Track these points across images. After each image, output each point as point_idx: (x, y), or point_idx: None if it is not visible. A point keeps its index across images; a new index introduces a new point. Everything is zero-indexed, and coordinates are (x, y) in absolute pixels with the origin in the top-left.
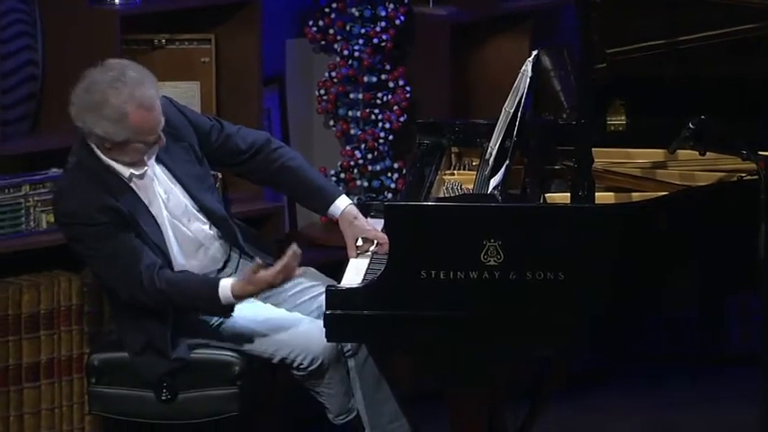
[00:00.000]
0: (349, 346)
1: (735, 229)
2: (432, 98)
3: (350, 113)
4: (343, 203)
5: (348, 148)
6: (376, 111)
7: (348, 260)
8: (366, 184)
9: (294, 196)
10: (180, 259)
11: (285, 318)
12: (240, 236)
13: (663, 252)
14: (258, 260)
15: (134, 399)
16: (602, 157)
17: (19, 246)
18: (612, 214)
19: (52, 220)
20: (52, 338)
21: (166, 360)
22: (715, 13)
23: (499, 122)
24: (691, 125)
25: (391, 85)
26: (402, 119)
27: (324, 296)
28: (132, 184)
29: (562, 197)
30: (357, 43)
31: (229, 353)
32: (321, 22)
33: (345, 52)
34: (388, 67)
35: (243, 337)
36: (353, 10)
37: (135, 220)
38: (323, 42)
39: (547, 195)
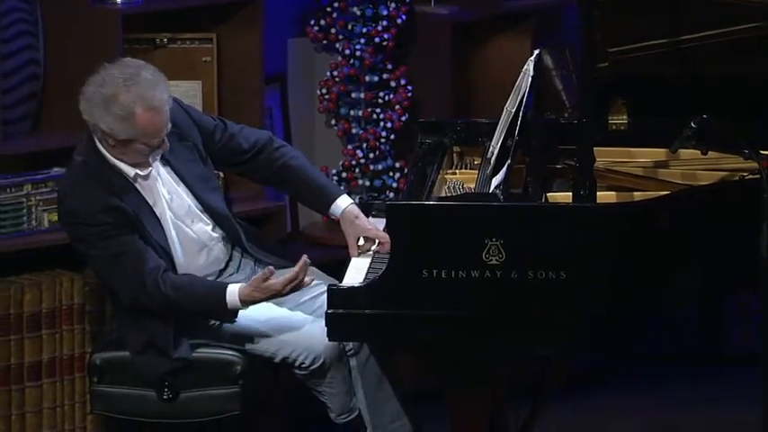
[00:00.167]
0: (351, 345)
1: (736, 229)
2: (433, 97)
3: (351, 113)
4: (344, 203)
5: (350, 147)
6: (378, 110)
7: (350, 259)
8: (368, 183)
9: (295, 195)
10: (183, 260)
11: (287, 317)
12: (243, 236)
13: (664, 251)
14: (270, 267)
15: (136, 398)
16: (604, 157)
17: (21, 245)
18: (614, 214)
19: (54, 219)
20: (54, 338)
21: (168, 359)
22: (717, 13)
23: (501, 122)
24: (692, 124)
25: (393, 84)
26: (404, 118)
27: (325, 295)
28: (137, 185)
29: (564, 196)
30: (359, 42)
31: (231, 352)
32: (323, 22)
33: (347, 51)
34: (389, 66)
35: (245, 336)
36: (355, 9)
37: (139, 220)
38: (325, 41)
39: (548, 195)
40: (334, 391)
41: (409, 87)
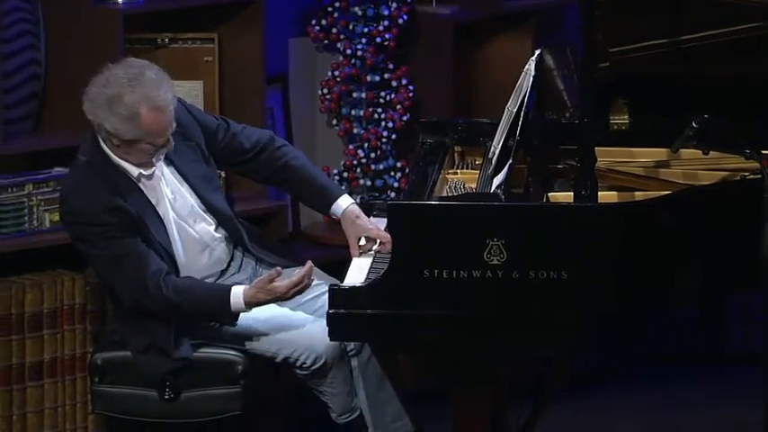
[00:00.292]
0: (352, 345)
1: (738, 229)
2: (435, 97)
3: (353, 112)
4: (345, 202)
5: (351, 147)
6: (379, 110)
7: (351, 259)
8: (369, 183)
9: (297, 195)
10: (185, 260)
11: (288, 317)
12: (245, 236)
13: (665, 251)
14: (278, 268)
15: (137, 398)
16: (605, 156)
17: (22, 245)
18: (615, 213)
19: (55, 219)
20: (55, 338)
21: (169, 359)
22: (718, 13)
23: (502, 121)
24: (694, 124)
25: (394, 84)
26: (405, 118)
27: (327, 295)
28: (140, 184)
29: (565, 196)
30: (360, 42)
31: (232, 352)
32: (324, 21)
33: (348, 51)
34: (390, 66)
35: (246, 336)
36: (356, 9)
37: (142, 221)
38: (326, 41)
39: (550, 194)
40: (335, 391)
41: (410, 87)
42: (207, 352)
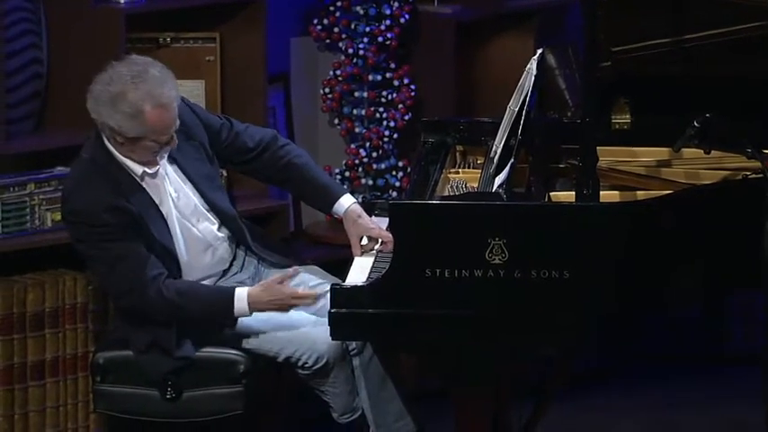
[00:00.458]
0: (354, 344)
1: (739, 228)
2: (436, 96)
3: (355, 112)
4: (347, 202)
5: (353, 146)
6: (381, 109)
7: (353, 259)
8: (371, 182)
9: (299, 194)
10: (187, 259)
11: (290, 316)
12: (248, 235)
13: (667, 251)
14: (296, 267)
15: (139, 397)
16: (607, 156)
17: (24, 244)
18: (617, 213)
19: (57, 218)
20: (57, 337)
21: (171, 358)
22: (720, 12)
23: (504, 121)
24: (695, 123)
25: (396, 83)
26: (407, 117)
27: (328, 295)
28: (144, 183)
29: (567, 196)
30: (362, 41)
31: (234, 352)
32: (326, 21)
33: (350, 50)
34: (392, 65)
35: (248, 335)
36: (358, 8)
37: (144, 221)
38: (328, 41)
39: (551, 194)
40: (337, 391)
41: (412, 86)
42: (209, 351)
